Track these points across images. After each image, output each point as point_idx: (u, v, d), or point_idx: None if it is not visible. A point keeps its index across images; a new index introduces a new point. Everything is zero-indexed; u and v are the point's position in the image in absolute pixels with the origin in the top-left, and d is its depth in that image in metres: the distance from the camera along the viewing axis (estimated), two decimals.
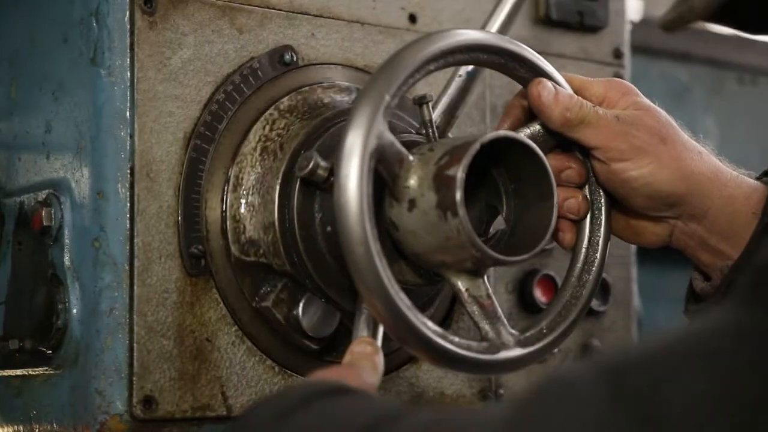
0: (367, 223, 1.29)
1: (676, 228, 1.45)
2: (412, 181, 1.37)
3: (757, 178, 1.47)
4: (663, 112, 1.44)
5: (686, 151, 1.42)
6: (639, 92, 1.46)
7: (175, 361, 1.46)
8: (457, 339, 1.35)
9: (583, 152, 1.46)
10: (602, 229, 1.49)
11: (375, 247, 1.29)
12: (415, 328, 1.32)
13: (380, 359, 1.30)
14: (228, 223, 1.50)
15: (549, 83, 1.42)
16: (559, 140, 1.46)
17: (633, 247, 1.89)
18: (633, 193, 1.42)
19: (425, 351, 1.34)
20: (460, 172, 1.33)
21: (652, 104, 1.45)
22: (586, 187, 1.49)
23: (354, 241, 1.29)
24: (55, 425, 1.49)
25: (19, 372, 1.55)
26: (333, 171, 1.36)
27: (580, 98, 1.42)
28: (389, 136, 1.35)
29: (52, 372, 1.49)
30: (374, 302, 1.30)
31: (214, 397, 1.48)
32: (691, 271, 1.50)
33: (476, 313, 1.40)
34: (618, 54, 1.88)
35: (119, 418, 1.43)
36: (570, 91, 1.44)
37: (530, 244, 1.40)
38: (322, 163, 1.42)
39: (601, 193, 1.48)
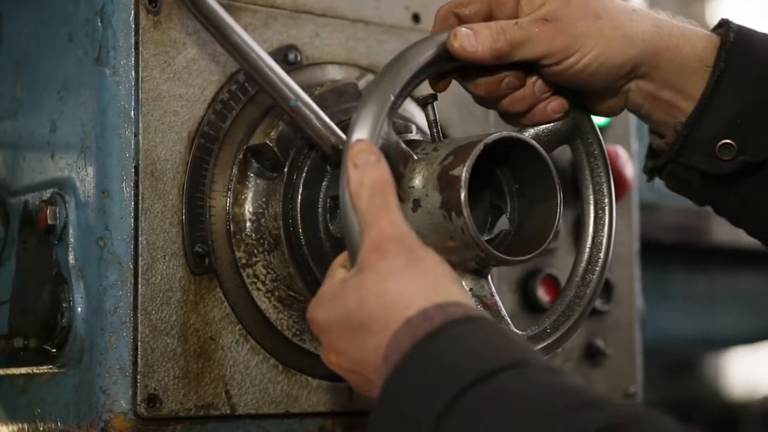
0: None
1: (630, 92, 1.44)
2: (417, 181, 1.37)
3: (713, 30, 1.45)
4: None
5: (622, 14, 1.40)
6: None
7: (179, 359, 1.46)
8: None
9: (529, 70, 1.41)
10: (606, 228, 1.49)
11: None
12: None
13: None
14: (232, 222, 1.50)
15: (462, 29, 1.37)
16: (562, 138, 1.47)
17: (636, 247, 1.89)
18: (591, 78, 1.40)
19: None
20: (464, 173, 1.33)
21: None
22: (590, 185, 1.49)
23: None
24: (59, 423, 1.49)
25: (23, 370, 1.55)
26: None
27: (498, 23, 1.38)
28: (394, 137, 1.35)
29: (56, 370, 1.50)
30: None
31: (218, 396, 1.49)
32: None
33: None
34: None
35: (123, 416, 1.43)
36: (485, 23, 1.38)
37: (534, 243, 1.41)
38: None
39: (605, 192, 1.48)
